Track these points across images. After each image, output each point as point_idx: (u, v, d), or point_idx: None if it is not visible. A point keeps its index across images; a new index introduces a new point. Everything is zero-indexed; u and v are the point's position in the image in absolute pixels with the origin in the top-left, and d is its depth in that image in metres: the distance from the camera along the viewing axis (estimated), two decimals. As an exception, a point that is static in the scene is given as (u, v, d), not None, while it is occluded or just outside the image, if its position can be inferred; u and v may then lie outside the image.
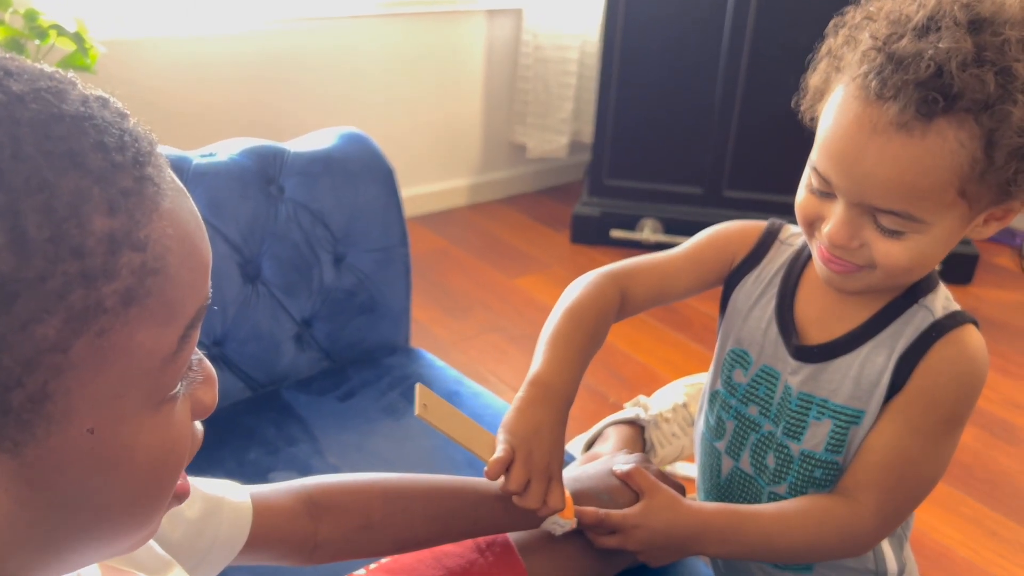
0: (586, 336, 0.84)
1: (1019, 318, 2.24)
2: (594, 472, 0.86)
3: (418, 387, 0.79)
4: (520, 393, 0.79)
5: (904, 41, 0.65)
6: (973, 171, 0.65)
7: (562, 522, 0.80)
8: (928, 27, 0.65)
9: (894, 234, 0.70)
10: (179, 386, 0.37)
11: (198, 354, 0.40)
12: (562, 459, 0.77)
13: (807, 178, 0.75)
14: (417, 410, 0.77)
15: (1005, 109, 0.63)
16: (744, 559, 0.88)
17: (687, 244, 0.92)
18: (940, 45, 0.64)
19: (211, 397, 0.41)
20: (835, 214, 0.72)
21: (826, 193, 0.73)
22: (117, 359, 0.33)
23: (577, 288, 0.88)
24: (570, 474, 0.85)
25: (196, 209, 0.38)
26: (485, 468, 0.75)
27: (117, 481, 0.36)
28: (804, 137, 0.76)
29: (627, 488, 0.83)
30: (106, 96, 0.36)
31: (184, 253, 0.35)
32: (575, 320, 0.84)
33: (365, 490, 0.75)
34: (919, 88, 0.64)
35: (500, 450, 0.75)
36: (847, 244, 0.72)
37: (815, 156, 0.73)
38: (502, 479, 0.75)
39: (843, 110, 0.69)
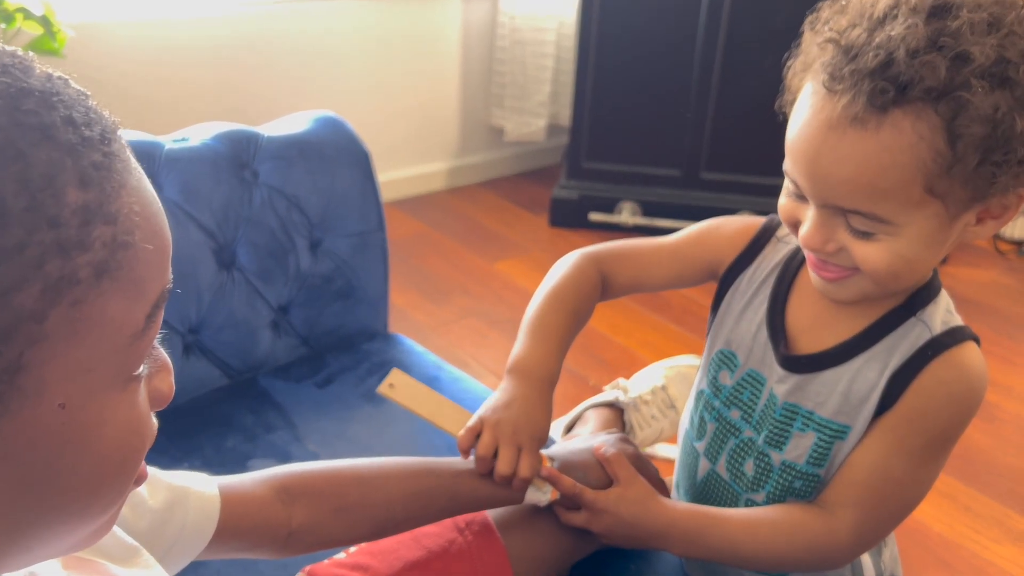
0: (567, 318, 0.84)
1: (993, 297, 2.27)
2: (574, 447, 0.86)
3: (393, 371, 0.80)
4: (502, 383, 0.81)
5: (857, 31, 0.62)
6: (938, 166, 0.61)
7: (541, 493, 0.80)
8: (886, 16, 0.62)
9: (865, 235, 0.66)
10: (143, 367, 0.38)
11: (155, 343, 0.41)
12: (537, 432, 0.78)
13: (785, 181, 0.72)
14: (380, 387, 0.80)
15: (961, 97, 0.59)
16: (711, 561, 0.87)
17: (677, 235, 0.90)
18: (892, 33, 0.60)
19: (168, 385, 0.42)
20: (808, 217, 0.69)
21: (800, 196, 0.70)
22: (89, 331, 0.34)
23: (559, 270, 0.88)
24: (550, 449, 0.85)
25: (157, 196, 0.39)
26: (456, 442, 0.78)
27: (85, 460, 0.36)
28: (780, 120, 0.76)
29: (602, 470, 0.82)
30: (65, 76, 0.36)
31: (150, 232, 0.36)
32: (556, 302, 0.85)
33: (338, 474, 0.75)
34: (868, 78, 0.60)
35: (470, 421, 0.78)
36: (821, 248, 0.69)
37: (785, 159, 0.69)
38: (474, 458, 0.77)
39: (802, 107, 0.66)
